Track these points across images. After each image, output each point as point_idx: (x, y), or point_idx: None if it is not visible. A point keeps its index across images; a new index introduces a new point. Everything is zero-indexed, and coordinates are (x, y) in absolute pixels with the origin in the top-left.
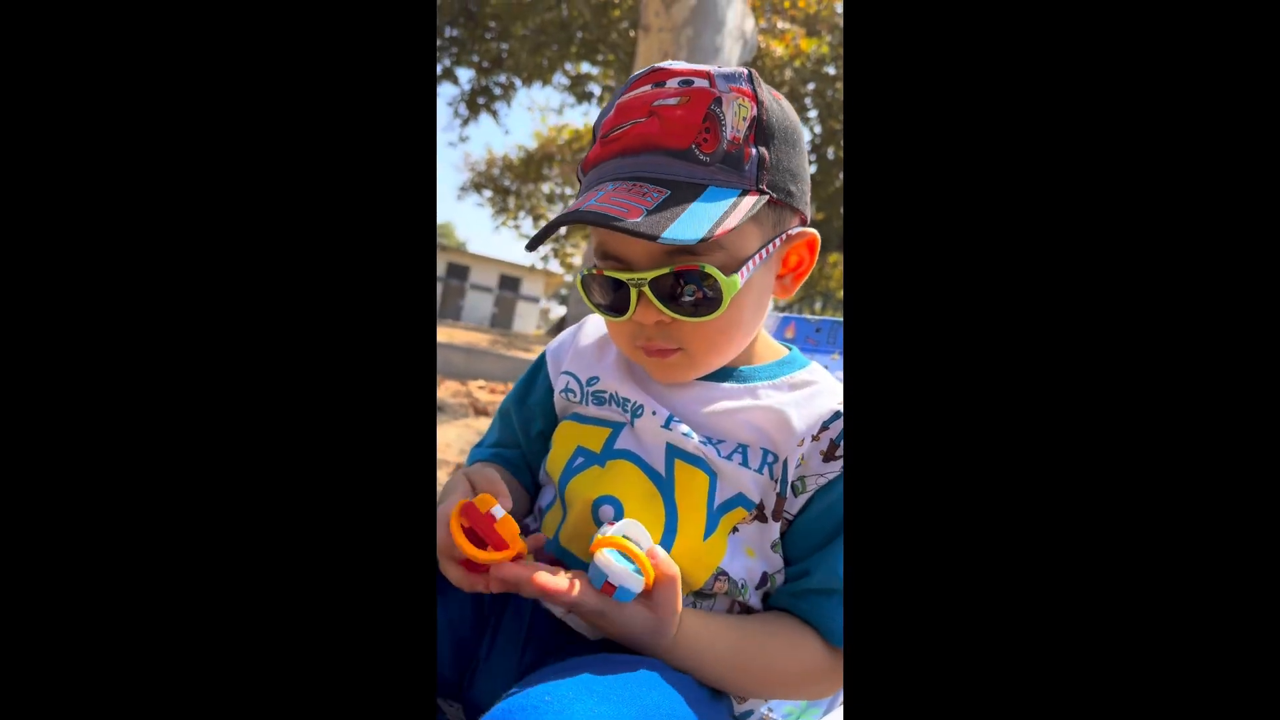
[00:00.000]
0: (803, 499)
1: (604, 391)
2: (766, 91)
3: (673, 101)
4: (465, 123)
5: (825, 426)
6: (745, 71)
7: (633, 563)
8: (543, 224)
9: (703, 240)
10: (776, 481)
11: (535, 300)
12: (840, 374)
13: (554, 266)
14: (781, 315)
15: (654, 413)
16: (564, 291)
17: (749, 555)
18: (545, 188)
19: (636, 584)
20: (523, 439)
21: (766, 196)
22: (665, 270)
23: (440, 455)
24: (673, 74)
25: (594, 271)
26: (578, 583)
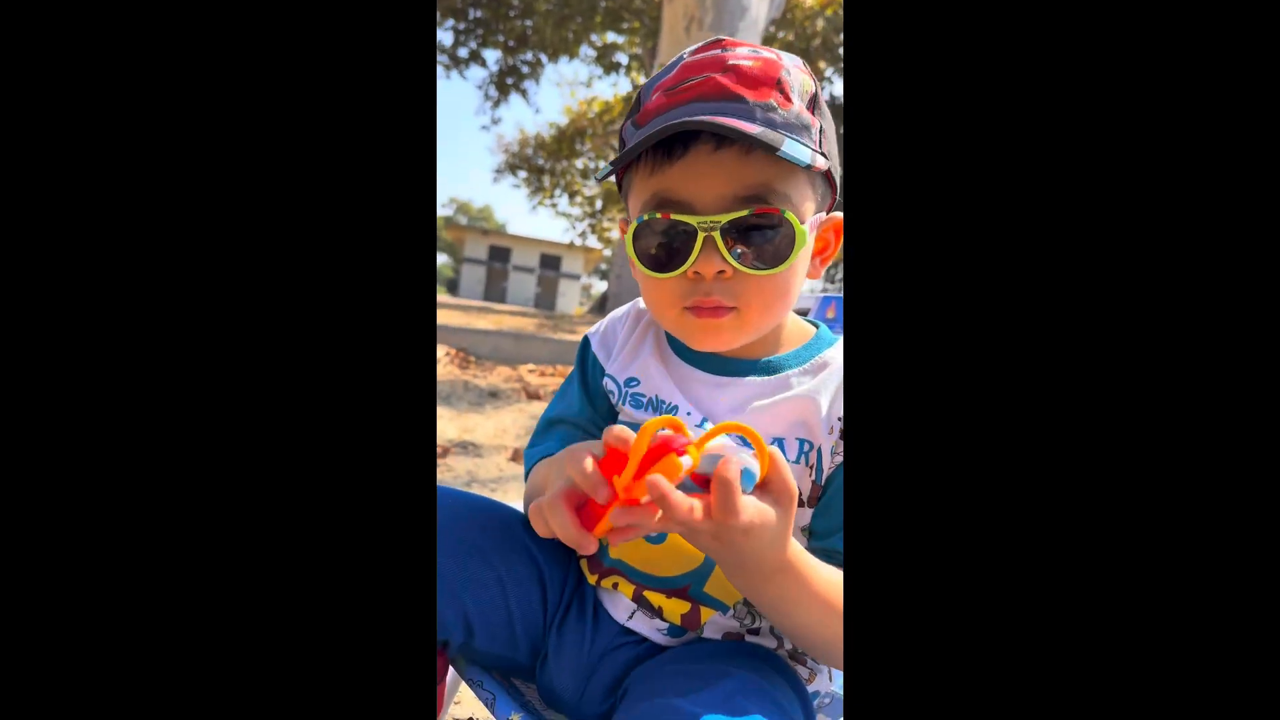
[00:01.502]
0: (826, 477)
1: (642, 395)
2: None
3: (748, 62)
4: (496, 104)
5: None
6: (800, 59)
7: (744, 442)
8: (579, 200)
9: (808, 167)
10: (812, 469)
11: (576, 277)
12: None
13: (593, 242)
14: (823, 296)
15: (688, 414)
16: (604, 267)
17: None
18: (579, 163)
19: (757, 466)
20: (598, 419)
21: (829, 163)
22: (743, 213)
23: (498, 440)
24: (739, 44)
25: (655, 216)
26: (700, 504)
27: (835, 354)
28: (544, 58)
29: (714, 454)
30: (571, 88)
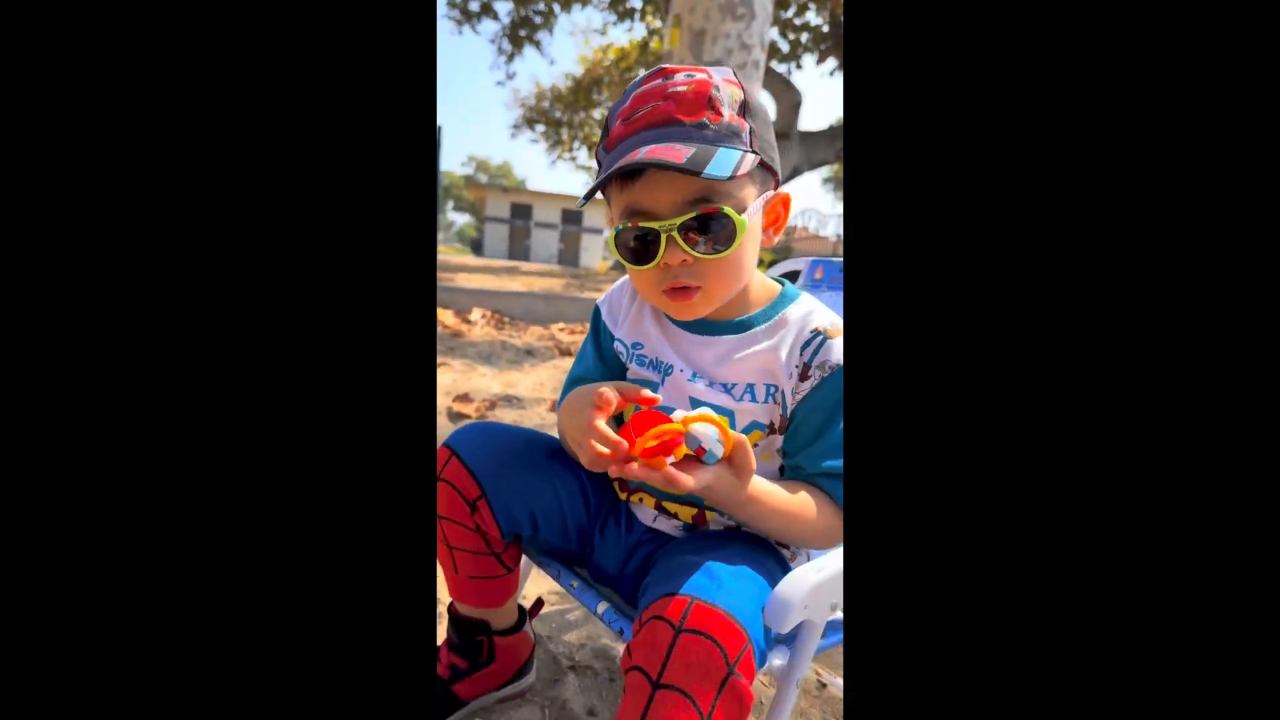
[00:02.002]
0: (791, 409)
1: (645, 356)
2: (748, 83)
3: (683, 89)
4: (510, 58)
5: (802, 351)
6: (730, 70)
7: (713, 428)
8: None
9: (730, 178)
10: (779, 404)
11: (598, 231)
12: None
13: None
14: (812, 259)
15: (681, 370)
16: None
17: (765, 460)
18: (596, 113)
19: (720, 447)
20: (610, 375)
21: (759, 157)
22: (691, 215)
23: (537, 394)
24: (677, 70)
25: (628, 225)
26: (684, 474)
27: (794, 310)
28: (556, 6)
29: (696, 437)
30: (586, 35)
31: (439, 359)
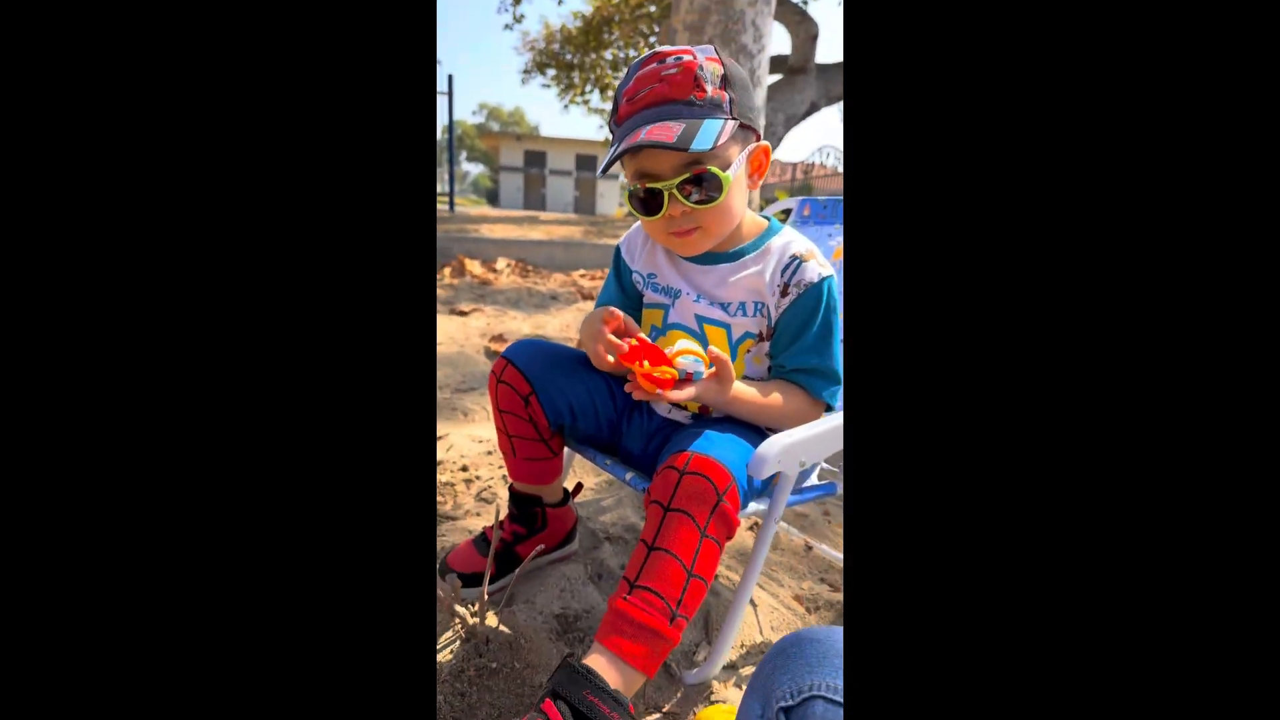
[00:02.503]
0: (775, 320)
1: (659, 283)
2: (726, 57)
3: (673, 71)
4: (517, 0)
5: (782, 273)
6: (712, 48)
7: (698, 359)
8: (610, 93)
9: (712, 149)
10: (765, 317)
11: (615, 177)
12: (834, 241)
13: None
14: (801, 199)
15: (687, 293)
16: None
17: (756, 362)
18: (608, 54)
19: (702, 368)
20: (630, 302)
21: (738, 121)
22: (686, 175)
23: (564, 334)
24: (668, 54)
25: (637, 186)
26: (677, 393)
27: (777, 241)
28: None
29: (684, 369)
30: None
31: (472, 306)
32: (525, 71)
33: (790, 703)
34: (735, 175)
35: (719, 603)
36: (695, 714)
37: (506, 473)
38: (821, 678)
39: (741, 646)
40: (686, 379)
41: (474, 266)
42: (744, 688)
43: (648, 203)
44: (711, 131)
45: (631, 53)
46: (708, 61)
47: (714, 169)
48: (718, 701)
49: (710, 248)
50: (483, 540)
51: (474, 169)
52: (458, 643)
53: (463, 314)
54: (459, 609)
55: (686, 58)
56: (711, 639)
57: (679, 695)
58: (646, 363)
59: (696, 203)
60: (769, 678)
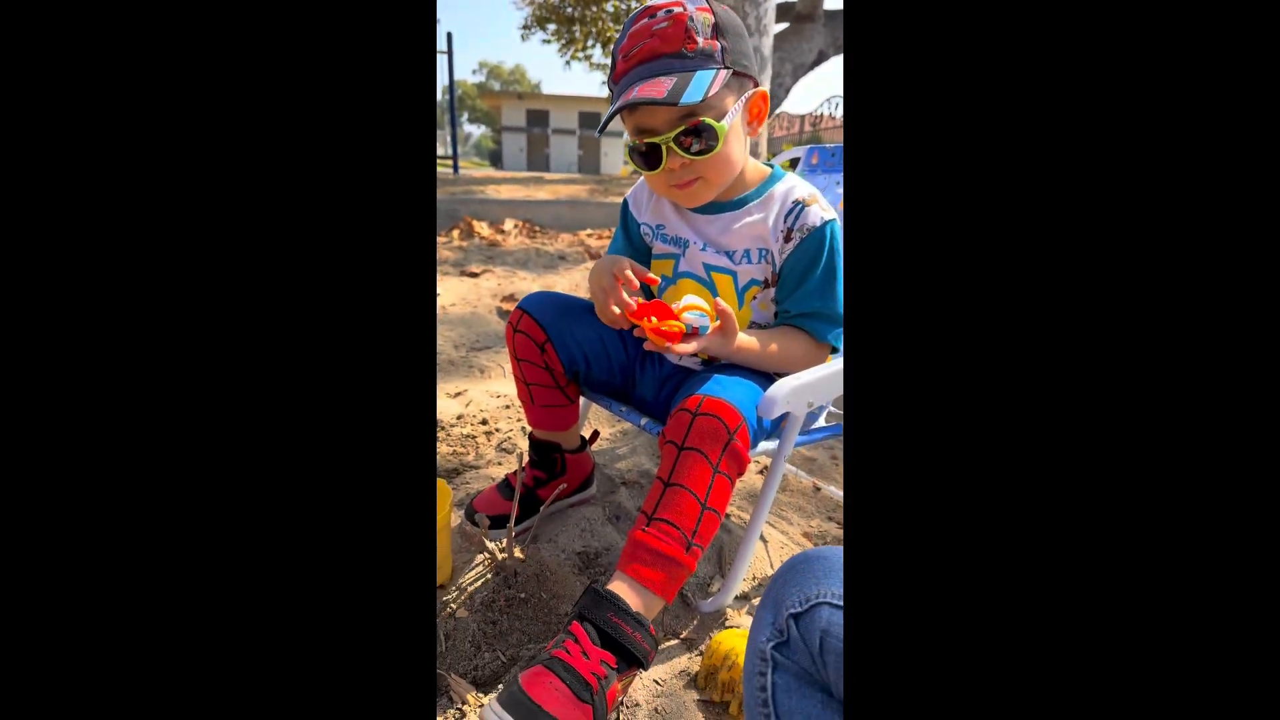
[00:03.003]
0: (779, 266)
1: (667, 234)
2: (718, 5)
3: (664, 25)
4: None
5: (785, 219)
6: None
7: (703, 314)
8: (611, 48)
9: (702, 100)
10: (770, 264)
11: (619, 134)
12: (842, 189)
13: None
14: (809, 146)
15: (694, 243)
16: None
17: (763, 309)
18: (609, 7)
19: (706, 322)
20: (638, 255)
21: (731, 70)
22: (681, 128)
23: (572, 293)
24: (659, 8)
25: (636, 142)
26: (684, 346)
27: (780, 187)
28: None
29: (690, 324)
30: None
31: (482, 268)
32: (525, 27)
33: (799, 610)
34: (731, 124)
35: (731, 539)
36: (712, 638)
37: (526, 422)
38: (827, 587)
39: (753, 579)
40: (693, 333)
41: (482, 228)
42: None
43: (647, 157)
44: (702, 83)
45: (633, 3)
46: (698, 12)
47: (708, 120)
48: (732, 627)
49: (713, 197)
50: (506, 485)
51: (476, 130)
52: (489, 576)
53: (473, 275)
54: (489, 545)
55: (677, 9)
56: (724, 572)
57: (695, 622)
58: (654, 318)
59: (694, 154)
60: (780, 590)
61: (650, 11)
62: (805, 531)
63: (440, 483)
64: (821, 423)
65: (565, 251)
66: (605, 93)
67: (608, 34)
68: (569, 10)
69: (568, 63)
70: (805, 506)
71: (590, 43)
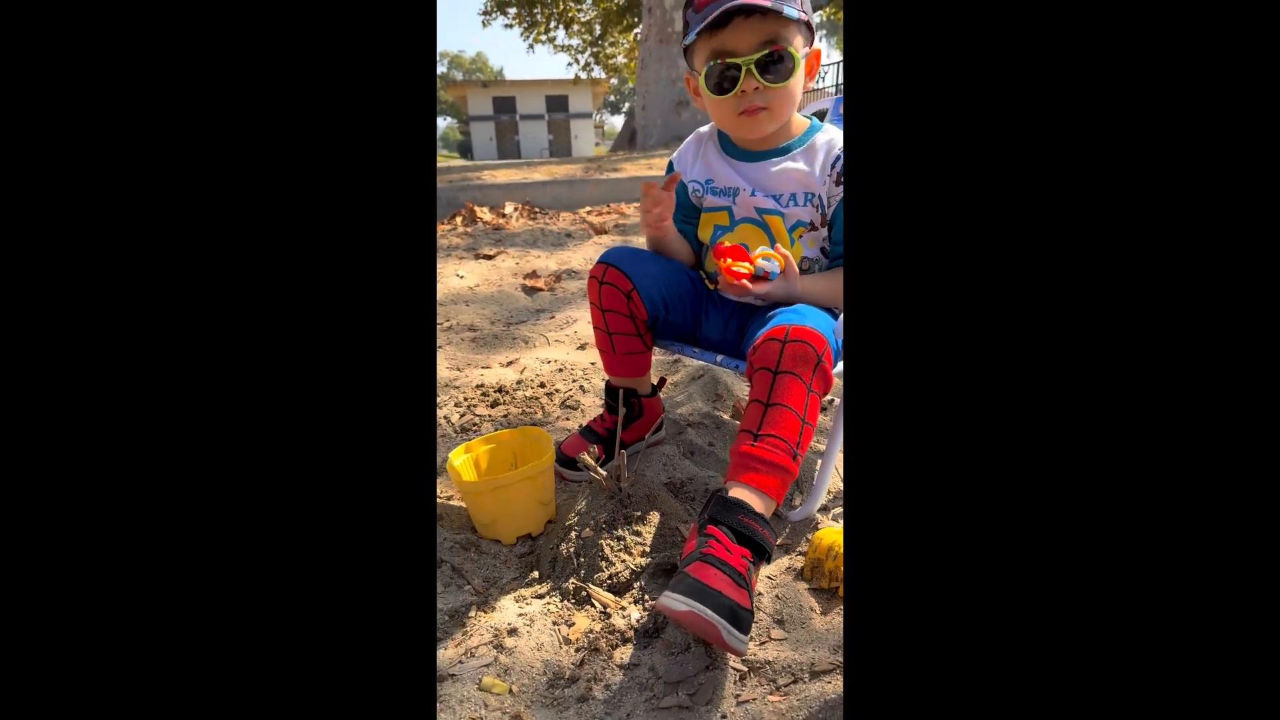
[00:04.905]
0: (830, 211)
1: (717, 186)
2: None
3: None
4: None
5: (832, 166)
6: None
7: (774, 260)
8: (577, 28)
9: (798, 20)
10: (818, 207)
11: (588, 115)
12: None
13: (598, 73)
14: (837, 97)
15: (744, 188)
16: (612, 98)
17: (811, 246)
18: None
19: (776, 267)
20: (685, 214)
21: (807, 19)
22: (764, 52)
23: (589, 268)
24: None
25: (716, 63)
26: (755, 287)
27: (820, 137)
28: None
29: (760, 268)
30: None
31: (495, 250)
32: (485, 13)
33: None
34: (801, 64)
35: (807, 459)
36: (812, 536)
37: (603, 369)
38: None
39: (829, 494)
40: (764, 276)
41: (484, 213)
42: (838, 523)
43: (723, 81)
44: (793, 9)
45: None
46: None
47: (790, 49)
48: (824, 527)
49: (771, 131)
50: (588, 431)
51: (442, 123)
52: (604, 501)
53: (489, 257)
54: (598, 474)
55: None
56: (804, 490)
57: (787, 529)
58: (730, 260)
59: (770, 81)
60: None
61: None
62: None
63: (541, 432)
64: None
65: (570, 229)
66: (571, 74)
67: (570, 14)
68: None
69: (531, 46)
70: None
71: (553, 24)
